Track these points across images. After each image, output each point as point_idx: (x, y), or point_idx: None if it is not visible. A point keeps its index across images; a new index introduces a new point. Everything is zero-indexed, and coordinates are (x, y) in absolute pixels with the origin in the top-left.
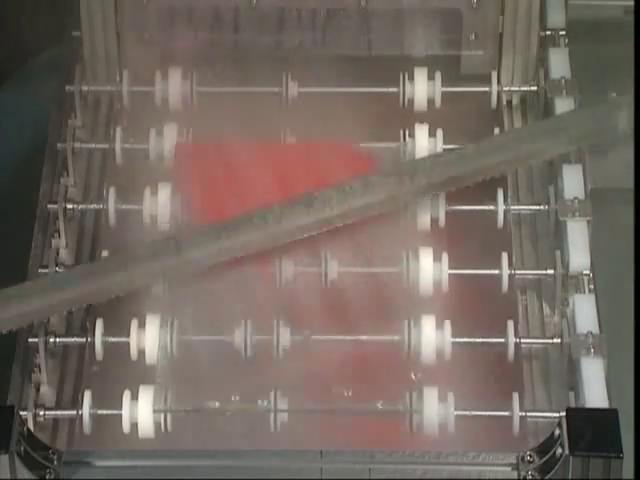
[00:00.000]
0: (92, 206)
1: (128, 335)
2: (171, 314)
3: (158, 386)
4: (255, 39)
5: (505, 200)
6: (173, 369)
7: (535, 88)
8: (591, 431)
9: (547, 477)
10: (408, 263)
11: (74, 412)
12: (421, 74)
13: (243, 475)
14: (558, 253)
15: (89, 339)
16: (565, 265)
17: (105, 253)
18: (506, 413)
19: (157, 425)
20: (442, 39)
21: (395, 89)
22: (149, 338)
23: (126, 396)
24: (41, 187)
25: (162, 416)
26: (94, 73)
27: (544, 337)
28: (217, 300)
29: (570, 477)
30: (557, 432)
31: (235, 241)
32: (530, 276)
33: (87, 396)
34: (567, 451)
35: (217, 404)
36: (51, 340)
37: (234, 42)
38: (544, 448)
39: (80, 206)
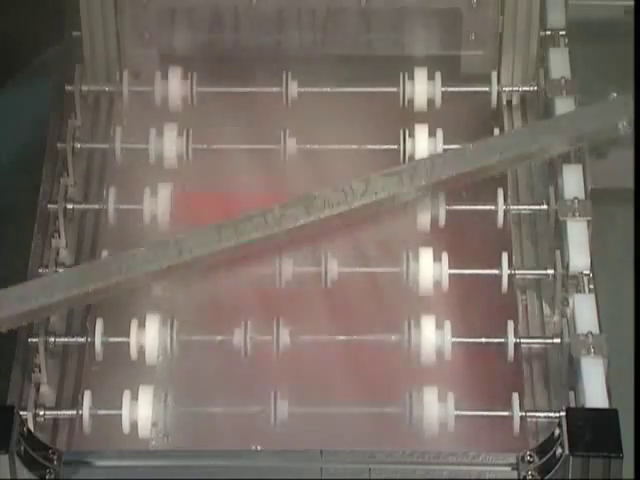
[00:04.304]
0: (92, 206)
1: (128, 335)
2: (171, 314)
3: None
4: (255, 39)
5: (505, 200)
6: (173, 369)
7: (535, 88)
8: (591, 431)
9: (547, 477)
10: (408, 263)
11: (74, 412)
12: (421, 74)
13: (243, 475)
14: (558, 253)
15: (89, 339)
16: (565, 265)
17: (105, 253)
18: (506, 413)
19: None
20: (442, 39)
21: (395, 89)
22: (149, 338)
23: (126, 396)
24: (41, 187)
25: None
26: (94, 73)
27: (544, 337)
28: (217, 300)
29: (570, 477)
30: (557, 432)
31: (235, 241)
32: (530, 276)
33: (87, 396)
34: (567, 451)
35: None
36: (51, 340)
37: (234, 42)
38: (544, 448)
39: (80, 206)
